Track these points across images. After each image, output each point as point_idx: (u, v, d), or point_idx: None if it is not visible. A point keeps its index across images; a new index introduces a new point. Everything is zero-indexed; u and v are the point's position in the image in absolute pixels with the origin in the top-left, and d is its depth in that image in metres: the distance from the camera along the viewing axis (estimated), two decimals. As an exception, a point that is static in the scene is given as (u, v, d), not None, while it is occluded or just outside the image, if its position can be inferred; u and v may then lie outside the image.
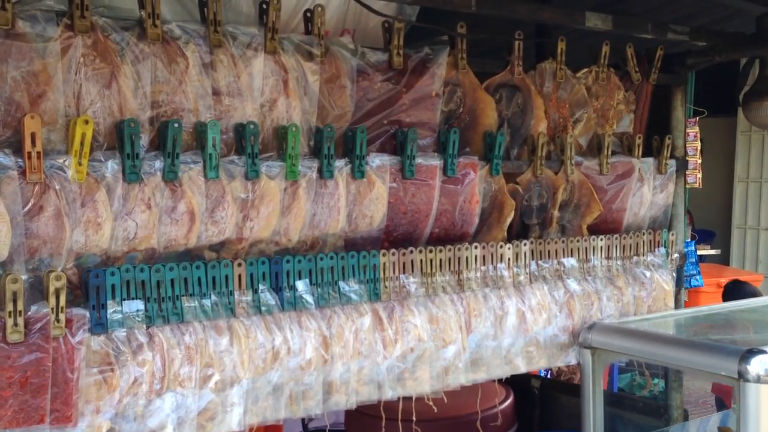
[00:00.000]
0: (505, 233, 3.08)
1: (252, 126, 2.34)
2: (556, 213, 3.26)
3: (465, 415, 3.42)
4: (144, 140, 2.18)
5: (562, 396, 4.17)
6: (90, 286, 2.06)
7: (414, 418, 2.84)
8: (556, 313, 3.10)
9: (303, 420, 4.11)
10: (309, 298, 2.47)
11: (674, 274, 3.59)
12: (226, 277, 2.31)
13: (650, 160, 3.53)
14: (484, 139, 3.00)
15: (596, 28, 3.03)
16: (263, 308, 2.37)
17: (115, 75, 2.12)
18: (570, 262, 3.22)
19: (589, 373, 3.08)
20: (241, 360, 2.27)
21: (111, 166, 2.09)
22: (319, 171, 2.51)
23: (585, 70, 3.34)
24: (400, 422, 2.81)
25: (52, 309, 1.96)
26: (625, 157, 3.44)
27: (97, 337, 2.06)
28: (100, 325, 2.07)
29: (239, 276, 2.33)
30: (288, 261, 2.44)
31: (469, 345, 2.83)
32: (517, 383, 3.98)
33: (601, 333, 3.10)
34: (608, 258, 3.35)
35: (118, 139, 2.14)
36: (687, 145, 3.91)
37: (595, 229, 3.42)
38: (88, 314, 2.04)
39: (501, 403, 3.76)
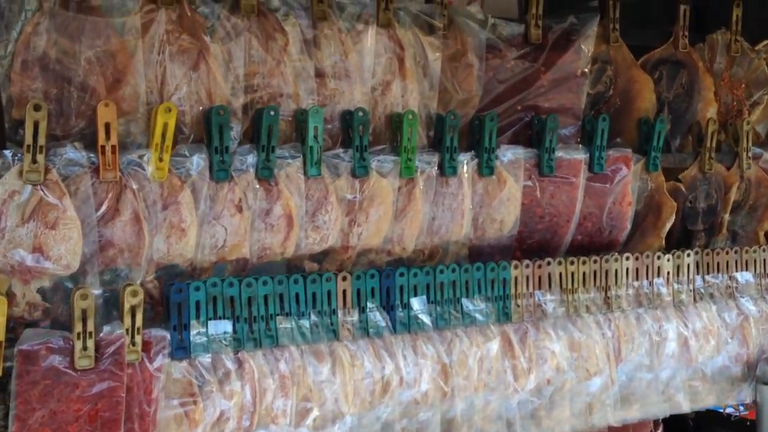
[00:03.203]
0: (663, 241, 2.57)
1: (361, 113, 1.97)
2: (727, 217, 2.71)
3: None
4: (236, 131, 1.86)
5: (722, 431, 3.56)
6: (171, 303, 1.76)
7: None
8: (727, 340, 2.61)
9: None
10: (426, 319, 2.09)
11: None
12: (329, 292, 1.96)
13: None
14: (639, 128, 2.52)
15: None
16: (371, 330, 2.01)
17: (203, 55, 1.81)
18: (745, 277, 2.69)
19: (770, 416, 2.52)
20: (345, 392, 1.92)
21: (197, 162, 1.78)
22: (440, 167, 2.12)
23: (766, 42, 2.74)
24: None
25: (127, 330, 1.68)
26: (817, 148, 2.82)
27: (178, 363, 1.76)
28: (181, 349, 1.77)
29: (344, 292, 1.98)
30: (402, 274, 2.06)
31: (619, 377, 2.38)
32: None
33: (786, 366, 2.53)
34: (794, 272, 2.76)
35: (206, 130, 1.83)
36: None
37: (774, 237, 2.83)
38: (168, 336, 1.75)
39: (650, 435, 3.23)
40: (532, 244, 2.36)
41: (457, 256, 2.27)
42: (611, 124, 2.41)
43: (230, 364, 1.82)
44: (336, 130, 2.02)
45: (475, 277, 2.18)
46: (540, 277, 2.29)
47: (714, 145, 2.59)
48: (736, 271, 2.66)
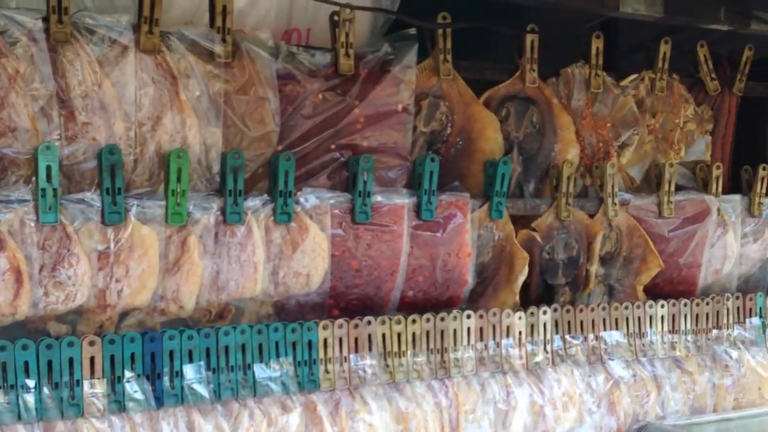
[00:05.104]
0: (517, 297, 2.28)
1: (112, 152, 1.70)
2: (593, 269, 2.43)
3: None
4: (-50, 171, 1.60)
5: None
6: None
7: None
8: (592, 409, 2.33)
9: None
10: (201, 389, 1.78)
11: (776, 354, 2.63)
12: (71, 360, 1.66)
13: (737, 197, 2.69)
14: (485, 171, 2.24)
15: (637, 16, 2.21)
16: (129, 404, 1.71)
17: None
18: (614, 336, 2.40)
19: (638, 498, 2.20)
20: (82, 481, 1.60)
21: None
22: (223, 212, 1.84)
23: (634, 76, 2.52)
24: None
25: None
26: (696, 193, 2.57)
27: None
28: None
29: (92, 358, 1.68)
30: (172, 337, 1.77)
31: (456, 453, 2.05)
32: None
33: (657, 440, 2.23)
34: (673, 331, 2.52)
35: None
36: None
37: (657, 292, 2.57)
38: None
39: None
40: (352, 301, 2.07)
41: (258, 315, 1.98)
42: (454, 167, 2.18)
43: None
44: (91, 171, 1.75)
45: (271, 339, 1.90)
46: (357, 338, 2.01)
47: (571, 189, 2.33)
48: (604, 330, 2.37)
